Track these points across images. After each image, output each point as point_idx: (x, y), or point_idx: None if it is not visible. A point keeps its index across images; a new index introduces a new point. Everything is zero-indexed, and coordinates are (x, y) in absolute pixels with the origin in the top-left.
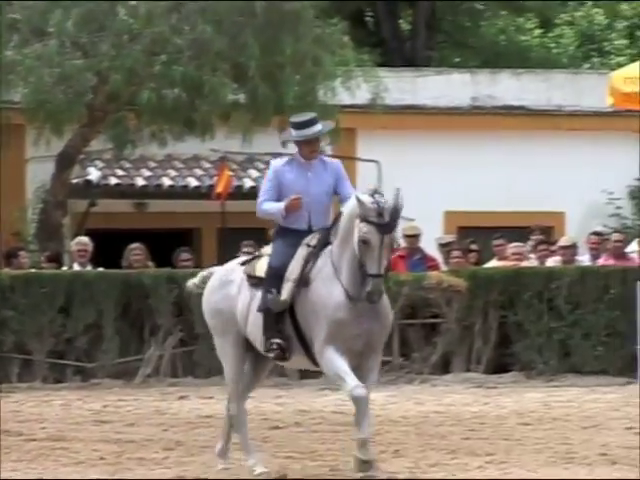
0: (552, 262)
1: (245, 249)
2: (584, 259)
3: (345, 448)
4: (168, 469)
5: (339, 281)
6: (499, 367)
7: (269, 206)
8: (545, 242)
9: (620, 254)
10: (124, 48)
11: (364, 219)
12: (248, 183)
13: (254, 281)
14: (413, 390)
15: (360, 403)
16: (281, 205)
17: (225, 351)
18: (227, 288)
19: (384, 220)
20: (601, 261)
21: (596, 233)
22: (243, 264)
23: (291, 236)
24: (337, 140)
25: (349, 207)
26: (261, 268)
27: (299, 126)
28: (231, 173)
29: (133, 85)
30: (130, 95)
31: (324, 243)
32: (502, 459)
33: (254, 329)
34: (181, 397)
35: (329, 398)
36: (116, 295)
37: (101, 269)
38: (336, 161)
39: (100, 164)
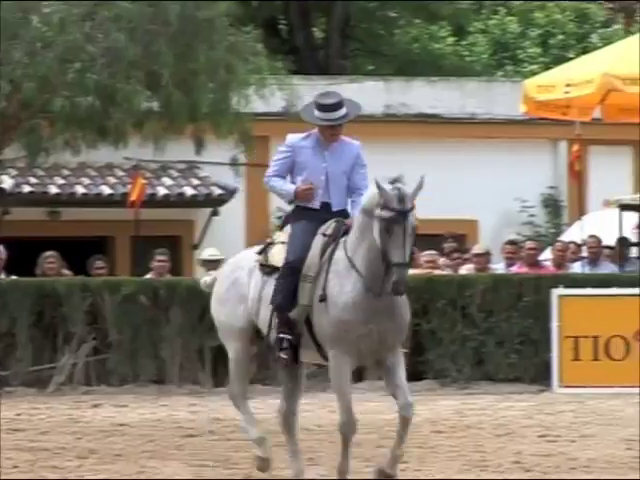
0: (465, 270)
1: (159, 257)
2: (498, 267)
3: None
4: (82, 477)
5: (357, 273)
6: (413, 375)
7: (279, 184)
8: (458, 250)
9: (534, 262)
10: (37, 56)
11: (385, 206)
12: (161, 191)
13: (268, 269)
14: (327, 398)
15: (347, 435)
16: (291, 189)
17: (230, 342)
18: (237, 273)
19: (406, 207)
20: (515, 269)
21: (511, 242)
22: (258, 253)
23: (307, 219)
24: (251, 148)
25: (368, 196)
26: (275, 256)
27: (324, 108)
28: (145, 181)
29: (46, 93)
30: (43, 103)
31: (340, 233)
32: (416, 467)
33: (265, 320)
34: (95, 405)
35: None
36: (30, 303)
37: (14, 277)
38: (357, 143)
39: (13, 172)
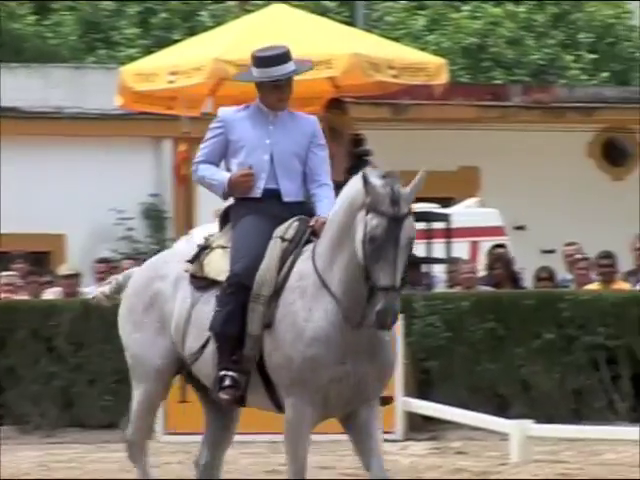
0: (51, 294)
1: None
2: (89, 290)
3: None
4: None
5: (329, 295)
6: None
7: (208, 172)
8: (34, 272)
9: None
10: None
11: (374, 209)
12: None
13: (201, 283)
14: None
15: None
16: (224, 178)
17: (141, 381)
18: (157, 285)
19: (401, 211)
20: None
21: (103, 260)
22: (190, 262)
23: (256, 215)
24: None
25: (349, 192)
26: (213, 266)
27: (265, 62)
28: None
29: None
30: None
31: (305, 237)
32: None
33: (194, 350)
34: None
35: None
36: None
37: None
38: (312, 117)
39: None
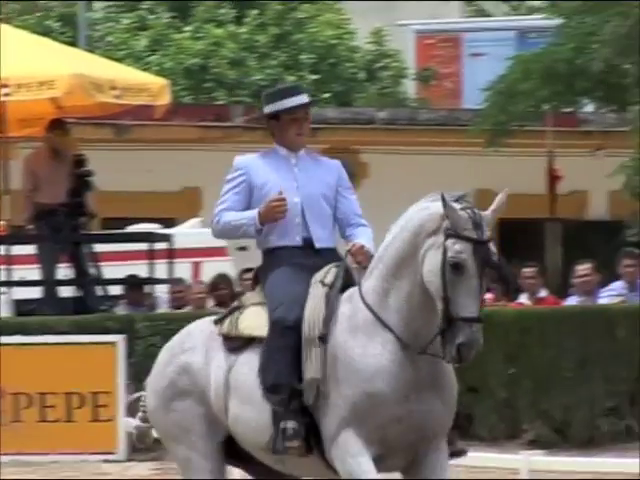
0: None
1: None
2: None
3: None
4: None
5: (384, 330)
6: None
7: (233, 216)
8: None
9: None
10: None
11: (454, 234)
12: None
13: (237, 344)
14: None
15: None
16: (252, 213)
17: (192, 463)
18: (184, 358)
19: (484, 235)
20: None
21: None
22: (217, 322)
23: (289, 264)
24: None
25: (412, 219)
26: (248, 323)
27: (280, 95)
28: None
29: None
30: None
31: (342, 282)
32: None
33: (244, 415)
34: None
35: None
36: None
37: None
38: (336, 161)
39: None
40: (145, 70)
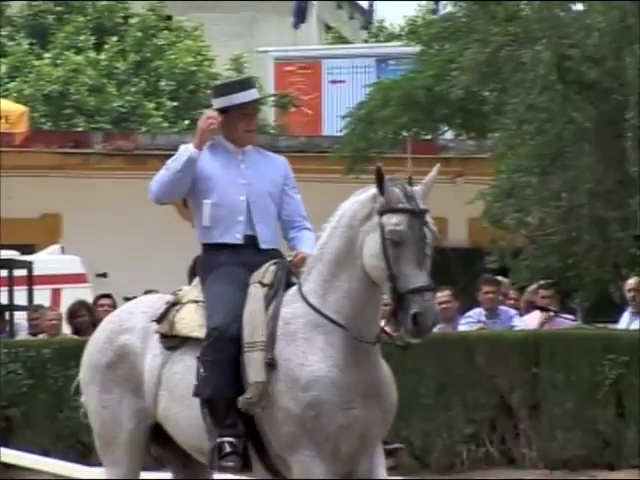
0: None
1: None
2: None
3: None
4: None
5: (333, 325)
6: None
7: (166, 166)
8: None
9: None
10: None
11: (389, 208)
12: None
13: (172, 342)
14: None
15: None
16: (185, 148)
17: (110, 447)
18: (122, 338)
19: (420, 206)
20: None
21: None
22: (156, 321)
23: (229, 263)
24: None
25: (345, 211)
26: (186, 322)
27: (229, 89)
28: None
29: None
30: None
31: (283, 282)
32: None
33: (175, 414)
34: None
35: None
36: None
37: None
38: (282, 158)
39: None
40: (4, 97)
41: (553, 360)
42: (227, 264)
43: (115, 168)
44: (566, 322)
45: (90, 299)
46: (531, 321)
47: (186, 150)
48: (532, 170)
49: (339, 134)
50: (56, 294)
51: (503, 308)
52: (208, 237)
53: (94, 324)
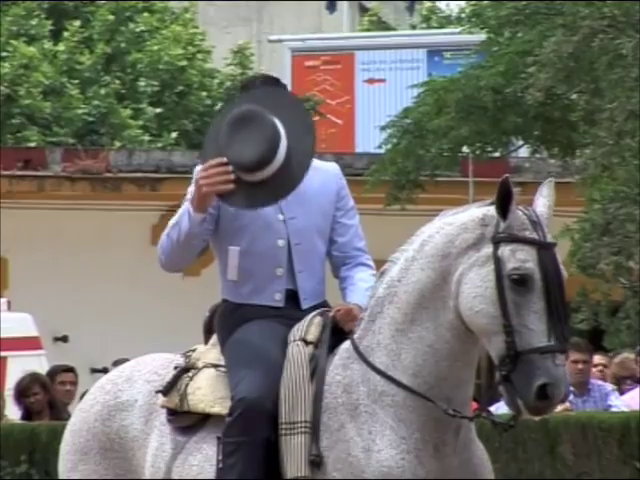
0: None
1: None
2: None
3: None
4: None
5: (405, 391)
6: None
7: (169, 227)
8: None
9: None
10: None
11: (510, 238)
12: None
13: (185, 422)
14: None
15: None
16: (186, 205)
17: None
18: (119, 421)
19: (546, 238)
20: None
21: None
22: (162, 393)
23: (257, 322)
24: None
25: (432, 236)
26: (202, 396)
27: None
28: None
29: None
30: None
31: (328, 334)
32: None
33: None
34: None
35: None
36: None
37: None
38: (333, 165)
39: None
40: None
41: None
42: (259, 319)
43: (79, 196)
44: None
45: (45, 371)
46: (633, 400)
47: (185, 209)
48: (635, 199)
49: (377, 151)
50: (1, 363)
51: (596, 383)
52: (235, 295)
53: (51, 405)
